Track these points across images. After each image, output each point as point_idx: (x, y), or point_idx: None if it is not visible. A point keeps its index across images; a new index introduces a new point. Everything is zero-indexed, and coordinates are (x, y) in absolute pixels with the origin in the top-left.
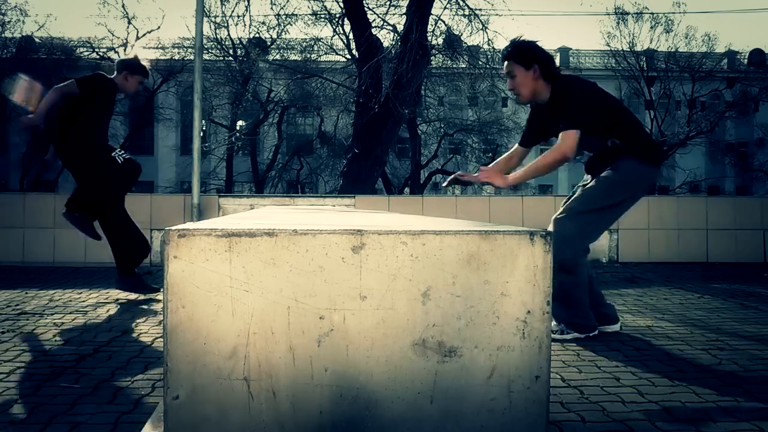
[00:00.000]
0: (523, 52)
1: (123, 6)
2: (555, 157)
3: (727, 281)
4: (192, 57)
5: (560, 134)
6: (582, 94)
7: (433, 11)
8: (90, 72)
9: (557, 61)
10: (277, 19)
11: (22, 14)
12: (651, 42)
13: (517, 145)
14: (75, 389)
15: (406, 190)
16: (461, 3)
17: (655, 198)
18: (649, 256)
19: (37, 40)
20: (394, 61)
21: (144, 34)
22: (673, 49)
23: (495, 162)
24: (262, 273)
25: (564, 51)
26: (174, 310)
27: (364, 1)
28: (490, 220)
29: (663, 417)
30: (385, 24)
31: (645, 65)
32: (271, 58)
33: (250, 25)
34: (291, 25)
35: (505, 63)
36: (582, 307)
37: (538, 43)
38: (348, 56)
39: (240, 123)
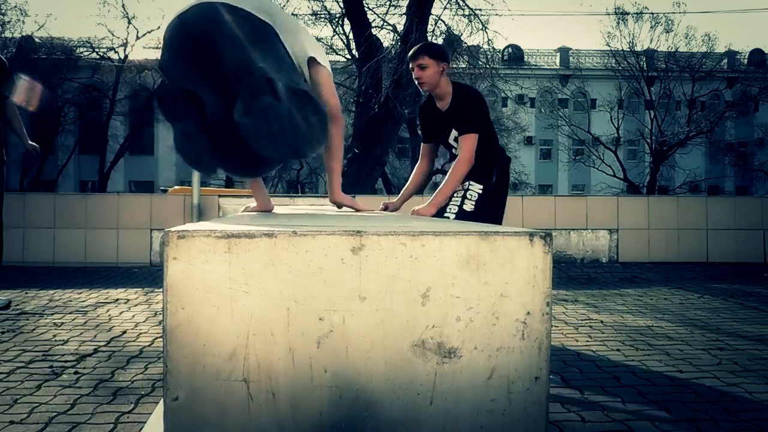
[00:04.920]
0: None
1: (123, 6)
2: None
3: (727, 281)
4: None
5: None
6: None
7: (433, 11)
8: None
9: (557, 61)
10: None
11: (22, 14)
12: (651, 42)
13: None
14: (75, 389)
15: None
16: (461, 3)
17: (655, 198)
18: (649, 256)
19: (37, 40)
20: (394, 61)
21: (144, 34)
22: (673, 49)
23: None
24: (262, 274)
25: (564, 51)
26: (173, 312)
27: (364, 1)
28: None
29: (663, 417)
30: (385, 24)
31: (645, 65)
32: None
33: None
34: None
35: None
36: None
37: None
38: (348, 56)
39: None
